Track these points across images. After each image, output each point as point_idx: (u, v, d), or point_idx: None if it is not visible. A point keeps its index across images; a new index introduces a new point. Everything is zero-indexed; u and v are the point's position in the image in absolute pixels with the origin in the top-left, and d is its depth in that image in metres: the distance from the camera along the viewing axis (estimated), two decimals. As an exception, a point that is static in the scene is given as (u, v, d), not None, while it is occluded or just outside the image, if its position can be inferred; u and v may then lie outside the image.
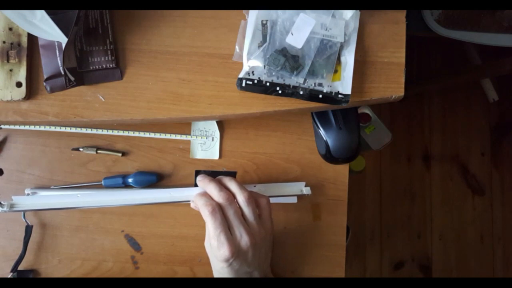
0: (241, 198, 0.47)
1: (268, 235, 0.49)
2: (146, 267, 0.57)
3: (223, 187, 0.48)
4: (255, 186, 0.53)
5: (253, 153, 0.59)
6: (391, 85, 0.50)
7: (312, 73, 0.48)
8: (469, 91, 1.48)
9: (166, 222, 0.57)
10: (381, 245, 1.41)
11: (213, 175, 0.59)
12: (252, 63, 0.48)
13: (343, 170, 0.59)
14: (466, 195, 1.45)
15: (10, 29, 0.48)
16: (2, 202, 0.46)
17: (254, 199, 0.48)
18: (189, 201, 0.50)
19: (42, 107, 0.49)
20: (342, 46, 0.49)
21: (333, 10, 0.48)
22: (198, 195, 0.48)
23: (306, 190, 0.55)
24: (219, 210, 0.46)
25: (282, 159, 0.59)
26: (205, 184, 0.48)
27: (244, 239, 0.46)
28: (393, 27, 0.51)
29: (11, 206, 0.46)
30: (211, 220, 0.45)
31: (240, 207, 0.47)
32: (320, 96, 0.48)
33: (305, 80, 0.48)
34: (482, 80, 1.45)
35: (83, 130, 0.56)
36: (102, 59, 0.49)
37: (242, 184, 0.49)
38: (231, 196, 0.47)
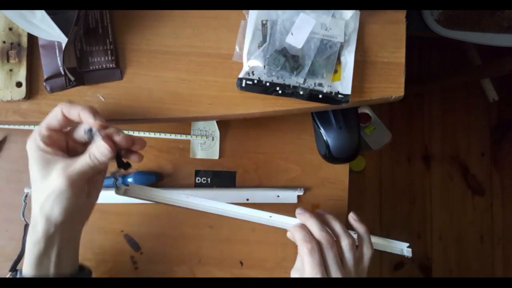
0: (345, 242, 0.47)
1: None
2: (145, 267, 0.57)
3: (325, 226, 0.47)
4: (355, 233, 0.51)
5: (253, 153, 0.59)
6: (391, 85, 0.50)
7: (312, 73, 0.48)
8: (469, 91, 1.48)
9: (166, 222, 0.57)
10: (381, 245, 1.41)
11: (214, 175, 0.59)
12: (252, 63, 0.48)
13: (343, 170, 0.59)
14: (466, 195, 1.45)
15: (10, 29, 0.48)
16: (118, 187, 0.48)
17: (359, 246, 0.48)
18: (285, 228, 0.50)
19: (42, 107, 0.49)
20: (342, 46, 0.49)
21: (333, 10, 0.48)
22: (298, 228, 0.47)
23: (407, 252, 0.54)
24: (318, 250, 0.45)
25: (282, 159, 0.59)
26: (306, 218, 0.48)
27: None
28: (393, 27, 0.50)
29: (125, 191, 0.48)
30: (310, 259, 0.45)
31: (341, 250, 0.47)
32: (320, 96, 0.48)
33: (305, 80, 0.48)
34: (482, 80, 1.45)
35: (83, 130, 0.56)
36: (102, 59, 0.49)
37: (344, 226, 0.49)
38: (333, 238, 0.47)
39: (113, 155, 0.41)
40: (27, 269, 0.44)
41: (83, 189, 0.43)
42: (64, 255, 0.45)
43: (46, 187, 0.41)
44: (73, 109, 0.41)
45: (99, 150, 0.41)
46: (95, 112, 0.41)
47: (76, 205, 0.43)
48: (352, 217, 0.51)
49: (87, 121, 0.41)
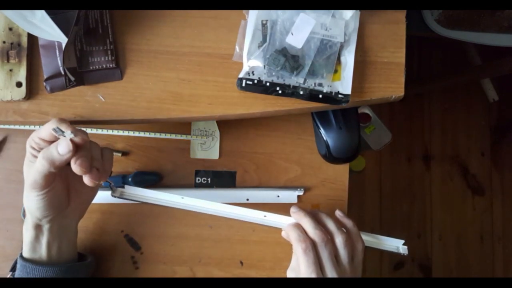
0: (339, 239, 0.47)
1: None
2: (146, 267, 0.57)
3: (319, 224, 0.48)
4: (344, 230, 0.51)
5: (253, 153, 0.59)
6: (391, 85, 0.50)
7: (312, 73, 0.48)
8: (469, 91, 1.48)
9: (166, 222, 0.58)
10: (381, 245, 1.41)
11: (214, 175, 0.59)
12: (252, 63, 0.48)
13: (343, 170, 0.59)
14: (466, 195, 1.45)
15: (10, 29, 0.48)
16: (113, 189, 0.49)
17: (351, 241, 0.48)
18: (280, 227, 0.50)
19: (42, 107, 0.49)
20: (342, 46, 0.49)
21: (333, 10, 0.48)
22: (292, 227, 0.47)
23: (403, 249, 0.53)
24: (313, 248, 0.46)
25: (282, 159, 0.59)
26: (300, 217, 0.48)
27: None
28: (393, 27, 0.51)
29: (121, 193, 0.49)
30: (304, 258, 0.45)
31: (336, 248, 0.47)
32: (320, 96, 0.48)
33: (305, 80, 0.48)
34: (482, 80, 1.45)
35: (83, 130, 0.56)
36: (102, 59, 0.49)
37: (337, 223, 0.49)
38: (327, 236, 0.47)
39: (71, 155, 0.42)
40: (24, 252, 0.48)
41: (52, 190, 0.45)
42: (56, 244, 0.48)
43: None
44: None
45: (61, 146, 0.42)
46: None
47: (52, 204, 0.45)
48: (338, 214, 0.52)
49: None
